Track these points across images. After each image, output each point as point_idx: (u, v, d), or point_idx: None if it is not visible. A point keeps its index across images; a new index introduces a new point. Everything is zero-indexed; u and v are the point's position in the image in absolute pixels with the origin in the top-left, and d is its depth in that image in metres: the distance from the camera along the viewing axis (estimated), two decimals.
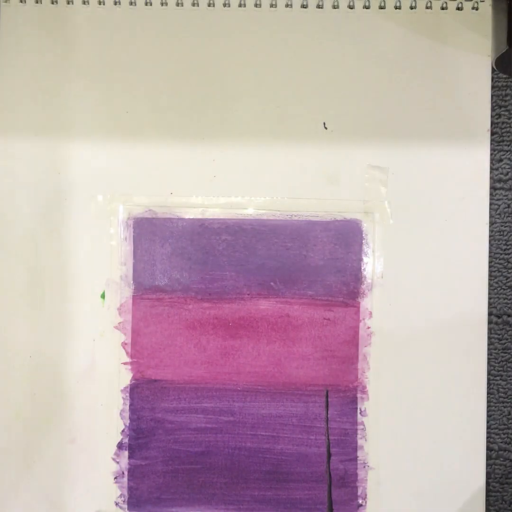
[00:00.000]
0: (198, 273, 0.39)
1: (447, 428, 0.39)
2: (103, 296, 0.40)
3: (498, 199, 0.40)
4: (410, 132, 0.39)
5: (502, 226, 0.40)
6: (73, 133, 0.39)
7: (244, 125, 0.39)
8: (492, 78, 0.39)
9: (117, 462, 0.40)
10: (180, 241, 0.40)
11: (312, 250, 0.39)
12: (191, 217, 0.40)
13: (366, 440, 0.39)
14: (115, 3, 0.39)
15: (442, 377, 0.39)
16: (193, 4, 0.39)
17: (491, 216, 0.40)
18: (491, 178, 0.40)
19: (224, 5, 0.39)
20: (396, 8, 0.39)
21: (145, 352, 0.40)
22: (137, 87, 0.40)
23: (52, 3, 0.40)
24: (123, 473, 0.40)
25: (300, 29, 0.39)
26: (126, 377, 0.40)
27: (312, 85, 0.39)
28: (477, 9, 0.39)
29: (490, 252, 0.40)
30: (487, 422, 0.40)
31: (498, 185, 0.40)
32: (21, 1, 0.40)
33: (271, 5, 0.39)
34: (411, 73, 0.39)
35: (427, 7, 0.39)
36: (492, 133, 0.40)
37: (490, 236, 0.40)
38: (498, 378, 0.40)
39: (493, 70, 0.39)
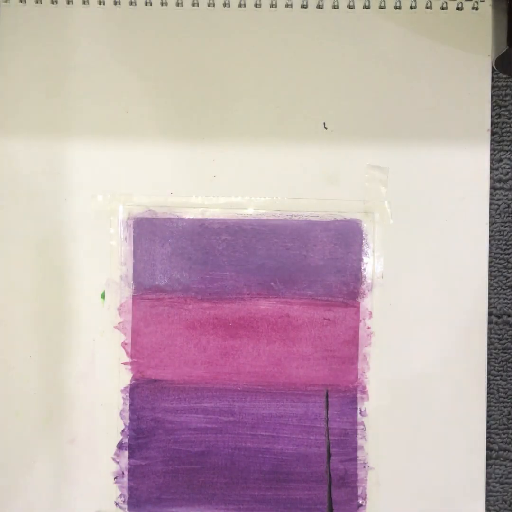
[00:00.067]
0: (198, 273, 0.39)
1: (447, 428, 0.39)
2: (103, 296, 0.40)
3: (498, 199, 0.40)
4: (410, 132, 0.39)
5: (502, 226, 0.40)
6: (73, 133, 0.39)
7: (244, 125, 0.39)
8: (492, 78, 0.39)
9: (117, 462, 0.40)
10: (180, 241, 0.40)
11: (312, 250, 0.39)
12: (191, 217, 0.40)
13: (366, 440, 0.39)
14: (115, 3, 0.39)
15: (442, 377, 0.39)
16: (193, 4, 0.39)
17: (491, 216, 0.40)
18: (491, 178, 0.40)
19: (224, 5, 0.39)
20: (396, 8, 0.39)
21: (145, 352, 0.40)
22: (137, 87, 0.40)
23: (52, 3, 0.40)
24: (123, 473, 0.40)
25: (300, 29, 0.39)
26: (126, 377, 0.40)
27: (312, 85, 0.39)
28: (477, 9, 0.39)
29: (490, 252, 0.40)
30: (487, 422, 0.40)
31: (498, 185, 0.40)
32: (21, 1, 0.40)
33: (271, 5, 0.39)
34: (411, 73, 0.39)
35: (427, 7, 0.39)
36: (492, 133, 0.40)
37: (490, 236, 0.40)
38: (498, 378, 0.40)
39: (493, 70, 0.39)
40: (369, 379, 0.39)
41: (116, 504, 0.40)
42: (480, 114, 0.39)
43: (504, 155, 0.40)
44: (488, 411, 0.40)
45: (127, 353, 0.40)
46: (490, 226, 0.40)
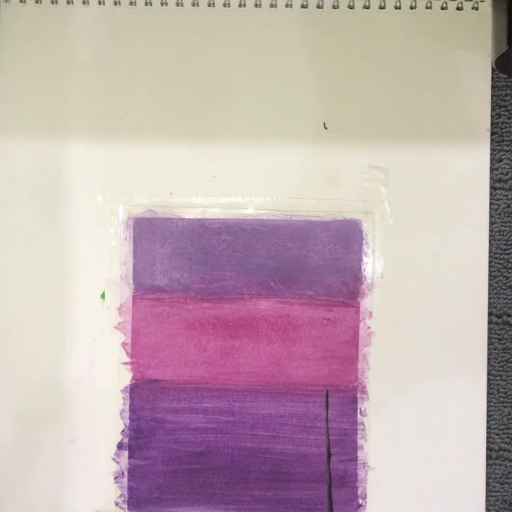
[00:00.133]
0: (198, 273, 0.39)
1: (447, 428, 0.39)
2: (103, 296, 0.40)
3: (498, 199, 0.40)
4: (410, 132, 0.39)
5: (502, 226, 0.40)
6: (73, 133, 0.39)
7: (244, 125, 0.39)
8: (492, 78, 0.39)
9: (117, 462, 0.40)
10: (180, 241, 0.40)
11: (312, 250, 0.39)
12: (191, 217, 0.40)
13: (366, 440, 0.39)
14: (115, 3, 0.39)
15: (442, 377, 0.39)
16: (193, 4, 0.39)
17: (491, 216, 0.40)
18: (491, 178, 0.40)
19: (224, 5, 0.39)
20: (396, 8, 0.39)
21: (145, 352, 0.40)
22: (137, 87, 0.40)
23: (52, 3, 0.40)
24: (123, 473, 0.40)
25: (300, 29, 0.39)
26: (126, 377, 0.40)
27: (312, 85, 0.39)
28: (477, 9, 0.39)
29: (490, 252, 0.40)
30: (487, 422, 0.40)
31: (498, 185, 0.40)
32: (21, 1, 0.40)
33: (271, 5, 0.39)
34: (410, 73, 0.39)
35: (427, 7, 0.39)
36: (492, 133, 0.40)
37: (490, 236, 0.40)
38: (498, 378, 0.40)
39: (493, 70, 0.39)
40: (369, 379, 0.39)
41: (116, 504, 0.40)
42: (480, 114, 0.39)
43: (504, 155, 0.40)
44: (488, 411, 0.40)
45: (127, 353, 0.40)
46: (490, 226, 0.40)
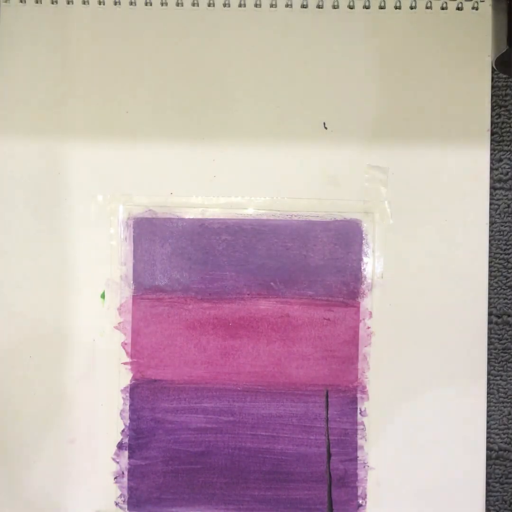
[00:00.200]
0: (198, 273, 0.39)
1: (447, 428, 0.39)
2: (103, 296, 0.40)
3: (498, 199, 0.40)
4: (410, 132, 0.39)
5: (502, 226, 0.40)
6: (73, 133, 0.39)
7: (244, 125, 0.39)
8: (492, 78, 0.39)
9: (117, 462, 0.40)
10: (180, 241, 0.40)
11: (312, 250, 0.39)
12: (191, 217, 0.40)
13: (366, 440, 0.39)
14: (115, 3, 0.39)
15: (442, 377, 0.39)
16: (193, 4, 0.39)
17: (491, 216, 0.40)
18: (491, 178, 0.40)
19: (224, 5, 0.39)
20: (396, 8, 0.39)
21: (145, 352, 0.40)
22: (137, 87, 0.40)
23: (52, 3, 0.40)
24: (123, 473, 0.40)
25: (300, 29, 0.39)
26: (126, 377, 0.40)
27: (312, 85, 0.39)
28: (477, 9, 0.39)
29: (490, 252, 0.40)
30: (487, 422, 0.40)
31: (498, 185, 0.40)
32: (21, 1, 0.40)
33: (271, 5, 0.39)
34: (410, 73, 0.39)
35: (427, 7, 0.39)
36: (492, 133, 0.40)
37: (490, 236, 0.40)
38: (498, 378, 0.40)
39: (493, 70, 0.39)
40: (369, 379, 0.39)
41: (116, 504, 0.40)
42: (480, 114, 0.39)
43: (504, 155, 0.40)
44: (488, 411, 0.40)
45: (127, 353, 0.40)
46: (490, 226, 0.40)
